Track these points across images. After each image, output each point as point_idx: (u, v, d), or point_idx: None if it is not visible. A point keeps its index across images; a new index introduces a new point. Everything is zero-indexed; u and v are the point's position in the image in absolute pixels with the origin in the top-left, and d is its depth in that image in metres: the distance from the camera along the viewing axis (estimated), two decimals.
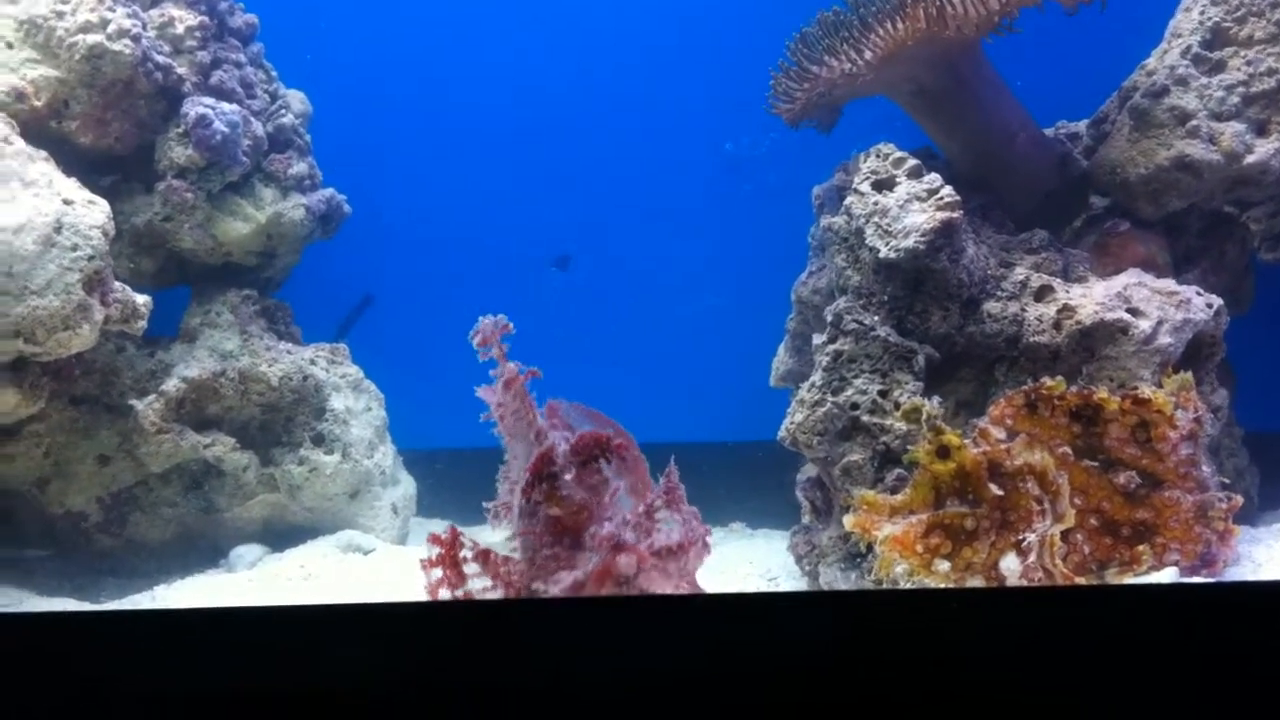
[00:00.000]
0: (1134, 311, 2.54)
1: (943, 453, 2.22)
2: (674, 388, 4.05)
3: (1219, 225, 2.98)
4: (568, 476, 2.20)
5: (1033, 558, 2.10)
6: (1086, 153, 3.08)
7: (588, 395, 2.44)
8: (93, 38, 2.88)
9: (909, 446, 2.40)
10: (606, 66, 4.08)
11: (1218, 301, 2.60)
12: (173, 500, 3.08)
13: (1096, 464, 2.24)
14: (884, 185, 2.60)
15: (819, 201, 3.19)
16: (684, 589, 2.19)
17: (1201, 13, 2.89)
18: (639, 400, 3.36)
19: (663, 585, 2.17)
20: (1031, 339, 2.54)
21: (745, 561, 2.95)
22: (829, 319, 2.57)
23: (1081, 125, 3.12)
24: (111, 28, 2.88)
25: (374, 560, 3.01)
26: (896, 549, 2.21)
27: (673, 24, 4.15)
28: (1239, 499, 2.34)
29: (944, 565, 2.21)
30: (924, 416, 2.24)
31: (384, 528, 3.15)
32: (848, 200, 2.64)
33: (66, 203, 2.68)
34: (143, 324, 2.80)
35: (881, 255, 2.53)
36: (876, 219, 2.55)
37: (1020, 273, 2.62)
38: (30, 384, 2.75)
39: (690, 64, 4.07)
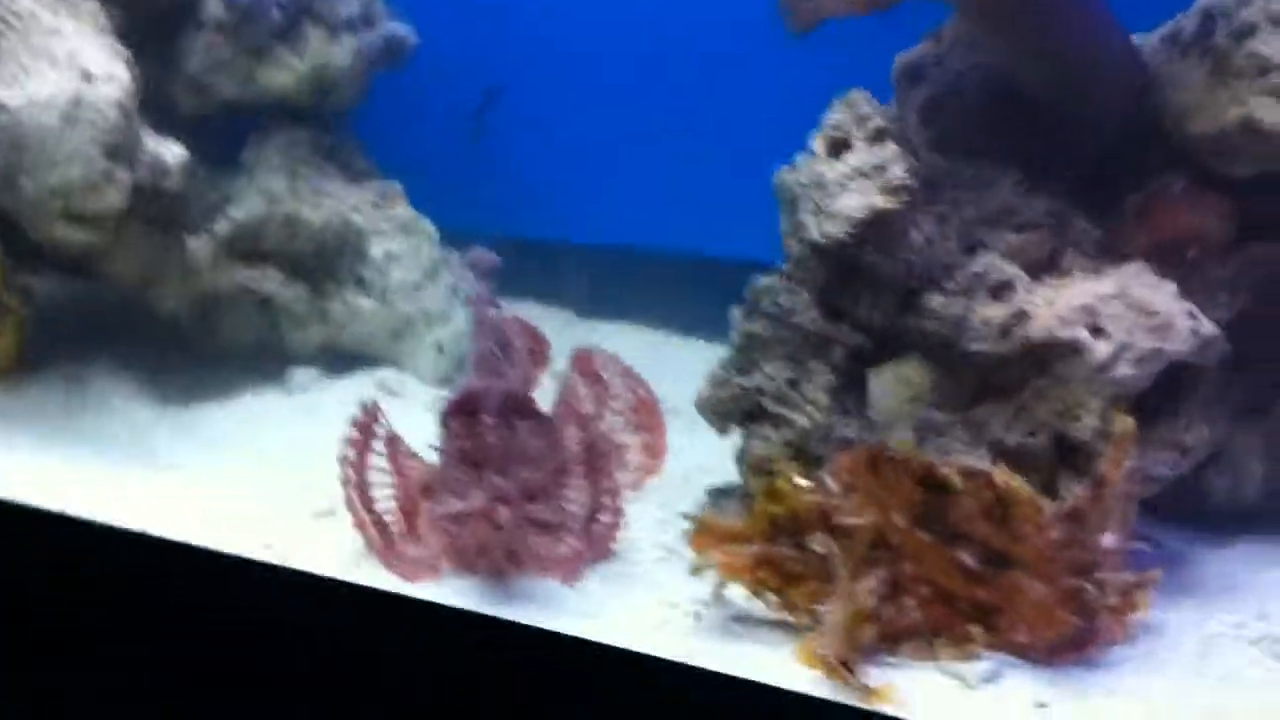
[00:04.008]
0: (1095, 330, 2.19)
1: (774, 495, 2.11)
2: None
3: None
4: (487, 419, 2.33)
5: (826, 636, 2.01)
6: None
7: None
8: None
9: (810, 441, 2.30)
10: None
11: (1209, 330, 2.18)
12: (248, 314, 3.37)
13: (937, 534, 2.04)
14: (839, 147, 2.30)
15: (898, 75, 2.85)
16: (564, 567, 2.31)
17: None
18: None
19: (540, 548, 2.33)
20: (970, 345, 2.26)
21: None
22: (747, 294, 2.38)
23: (1152, 40, 2.55)
24: None
25: (400, 404, 3.22)
26: (728, 573, 2.17)
27: None
28: (1151, 575, 2.11)
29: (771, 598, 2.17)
30: (752, 459, 2.12)
31: (425, 366, 3.34)
32: (800, 157, 2.36)
33: (86, 78, 2.84)
34: (176, 179, 3.00)
35: (807, 236, 2.28)
36: (814, 192, 2.28)
37: (981, 262, 2.29)
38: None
39: None
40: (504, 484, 2.28)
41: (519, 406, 2.39)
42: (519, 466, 2.35)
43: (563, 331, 3.93)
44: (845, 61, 2.84)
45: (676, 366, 3.07)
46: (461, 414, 2.37)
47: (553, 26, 3.89)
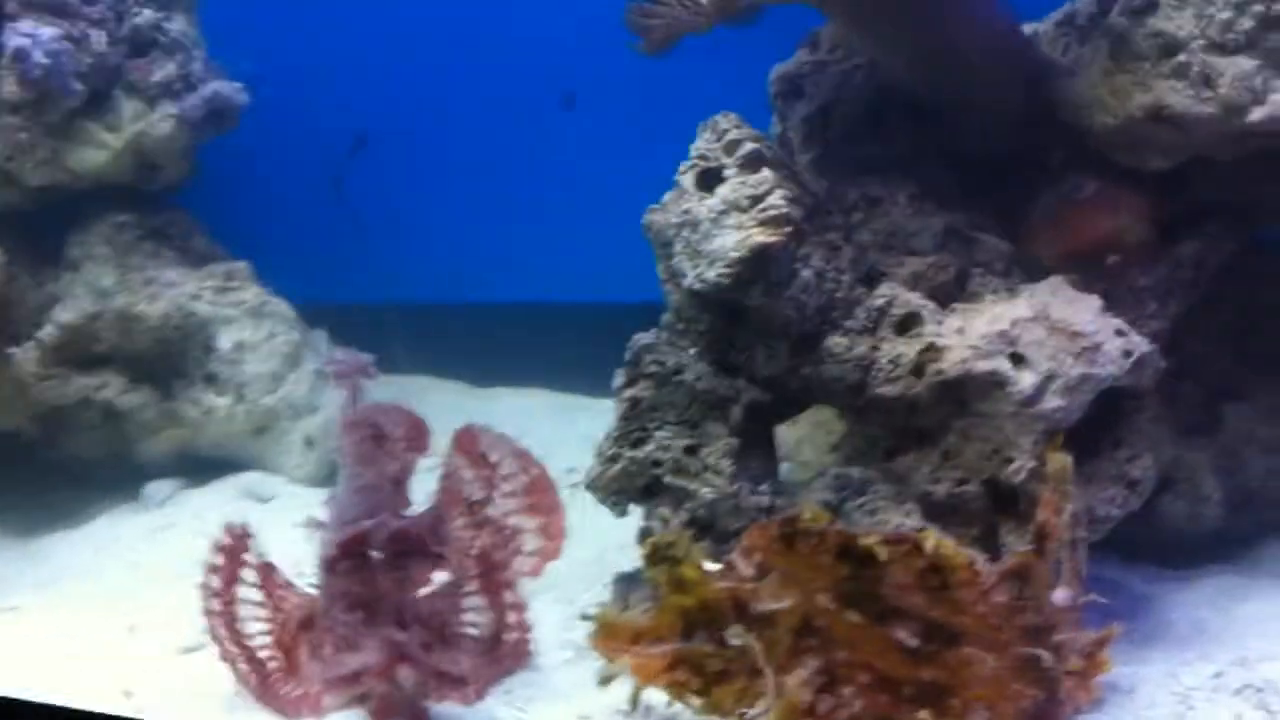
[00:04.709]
0: (1017, 359, 1.93)
1: (680, 585, 1.82)
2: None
3: (1250, 165, 2.18)
4: (376, 556, 2.02)
5: None
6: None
7: None
8: None
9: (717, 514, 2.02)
10: None
11: (1141, 348, 1.93)
12: (94, 424, 3.03)
13: (869, 613, 1.77)
14: (709, 178, 2.03)
15: (775, 91, 2.59)
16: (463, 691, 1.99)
17: None
18: None
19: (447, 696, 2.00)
20: (879, 390, 1.99)
21: None
22: (627, 355, 2.10)
23: (1045, 26, 2.33)
24: None
25: (270, 510, 2.90)
26: (642, 677, 1.88)
27: None
28: (1110, 630, 1.86)
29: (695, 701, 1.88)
30: (652, 546, 1.82)
31: (296, 464, 3.02)
32: (668, 194, 2.09)
33: None
34: None
35: (686, 283, 2.01)
36: (686, 232, 2.01)
37: (882, 294, 2.02)
38: None
39: None
40: (403, 637, 1.96)
41: (413, 545, 2.07)
42: (412, 602, 2.05)
43: (462, 404, 3.65)
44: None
45: (587, 430, 2.79)
46: (349, 557, 2.06)
47: (409, 74, 3.62)
